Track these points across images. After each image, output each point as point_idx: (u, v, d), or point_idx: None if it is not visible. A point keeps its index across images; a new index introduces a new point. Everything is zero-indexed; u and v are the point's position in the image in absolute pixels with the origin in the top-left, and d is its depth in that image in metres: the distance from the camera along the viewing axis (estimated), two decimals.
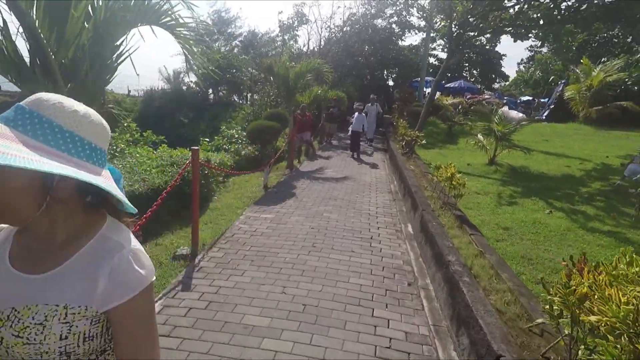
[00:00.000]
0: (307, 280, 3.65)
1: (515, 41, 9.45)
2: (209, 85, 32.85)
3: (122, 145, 7.08)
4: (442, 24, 10.29)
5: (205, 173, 6.58)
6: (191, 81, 33.15)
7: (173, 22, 3.08)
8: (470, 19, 8.75)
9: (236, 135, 11.57)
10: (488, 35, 11.54)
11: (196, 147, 4.33)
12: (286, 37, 21.98)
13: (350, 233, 4.98)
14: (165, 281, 3.74)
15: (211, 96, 34.03)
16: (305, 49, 21.46)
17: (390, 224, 5.44)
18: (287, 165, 9.59)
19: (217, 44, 38.47)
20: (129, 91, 37.47)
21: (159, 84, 34.07)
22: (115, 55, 2.76)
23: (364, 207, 6.23)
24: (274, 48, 25.86)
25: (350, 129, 11.51)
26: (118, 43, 2.72)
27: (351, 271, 3.88)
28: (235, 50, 37.75)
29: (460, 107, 18.88)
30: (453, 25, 9.27)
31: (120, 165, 6.01)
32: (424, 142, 10.24)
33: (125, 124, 7.32)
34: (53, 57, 2.31)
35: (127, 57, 2.85)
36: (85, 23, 2.36)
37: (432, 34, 19.18)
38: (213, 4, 38.38)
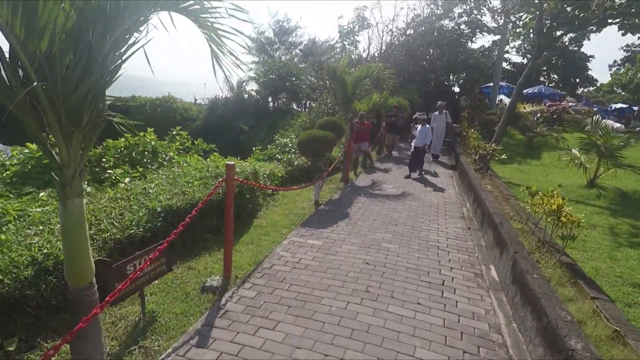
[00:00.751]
0: (357, 347, 2.72)
1: (624, 34, 7.66)
2: (268, 94, 33.50)
3: (172, 154, 6.77)
4: (528, 17, 8.75)
5: (251, 187, 5.98)
6: (252, 90, 34.02)
7: (197, 6, 2.39)
8: (567, 9, 7.19)
9: (289, 144, 11.02)
10: (582, 31, 9.67)
11: (232, 163, 3.65)
12: (346, 43, 21.26)
13: (415, 274, 3.95)
14: (187, 322, 3.07)
15: (271, 104, 34.64)
16: (365, 55, 20.59)
17: (466, 264, 4.29)
18: (341, 178, 8.74)
19: (278, 53, 39.26)
20: (196, 100, 39.56)
21: (223, 92, 35.42)
22: (117, 52, 2.12)
23: (432, 236, 5.13)
24: (333, 55, 25.39)
25: (412, 143, 9.64)
26: (120, 34, 2.06)
27: (417, 337, 2.87)
28: (296, 59, 38.18)
29: (539, 115, 16.60)
30: (543, 19, 7.78)
31: (164, 176, 5.61)
32: (503, 157, 8.73)
33: (174, 132, 7.04)
34: (20, 47, 1.68)
35: (134, 52, 2.19)
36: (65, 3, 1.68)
37: (507, 35, 17.20)
38: (274, 14, 39.11)
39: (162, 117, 33.31)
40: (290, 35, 38.80)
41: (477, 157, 8.82)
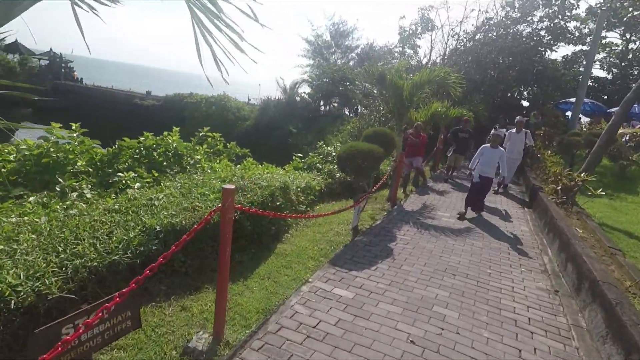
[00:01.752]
0: None
1: None
2: (321, 97, 32.91)
3: (198, 157, 6.02)
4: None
5: (278, 204, 5.00)
6: (304, 92, 33.67)
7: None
8: None
9: (333, 153, 9.97)
10: None
11: (231, 187, 2.66)
12: (406, 47, 19.77)
13: None
14: None
15: (322, 108, 34.03)
16: (425, 61, 19.00)
17: (561, 355, 2.92)
18: (388, 197, 7.50)
19: (334, 57, 38.59)
20: (249, 99, 40.14)
21: (276, 94, 35.53)
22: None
23: (505, 301, 3.76)
24: (390, 60, 24.03)
25: (472, 168, 6.92)
26: None
27: None
28: (351, 62, 37.22)
29: (628, 138, 13.95)
30: None
31: (179, 184, 4.82)
32: (600, 192, 6.91)
33: (201, 133, 6.30)
34: None
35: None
36: None
37: (599, 42, 14.75)
38: (331, 17, 38.62)
39: (215, 114, 34.13)
40: (346, 38, 37.98)
41: (559, 188, 7.12)
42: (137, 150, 5.31)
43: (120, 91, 37.88)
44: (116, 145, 4.95)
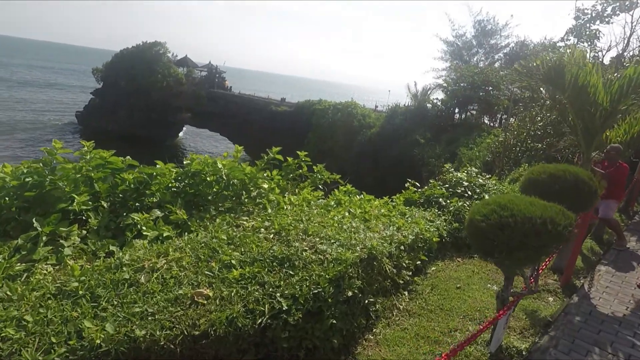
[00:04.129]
0: None
1: None
2: (455, 104, 28.99)
3: (265, 186, 4.36)
4: None
5: (353, 290, 2.87)
6: (437, 99, 30.20)
7: None
8: None
9: (465, 183, 7.20)
10: None
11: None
12: (582, 38, 14.55)
13: None
14: None
15: (457, 116, 30.00)
16: (613, 53, 13.68)
17: None
18: (554, 268, 4.50)
19: (475, 59, 33.69)
20: (376, 106, 38.53)
21: (405, 100, 33.10)
22: None
23: None
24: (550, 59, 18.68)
25: None
26: None
27: None
28: (497, 64, 31.76)
29: None
30: None
31: (206, 238, 3.17)
32: None
33: (270, 155, 4.59)
34: None
35: None
36: None
37: None
38: (476, 14, 33.49)
39: (340, 122, 33.66)
40: (492, 37, 32.57)
41: None
42: (179, 178, 3.91)
43: (260, 98, 41.05)
44: (143, 171, 3.60)
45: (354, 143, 31.73)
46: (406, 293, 3.90)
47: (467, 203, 6.42)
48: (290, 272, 2.65)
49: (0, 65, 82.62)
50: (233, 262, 2.75)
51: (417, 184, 7.12)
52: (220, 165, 3.92)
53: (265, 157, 4.62)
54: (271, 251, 2.88)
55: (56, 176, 3.12)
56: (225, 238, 3.13)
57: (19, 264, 2.57)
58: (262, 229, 3.41)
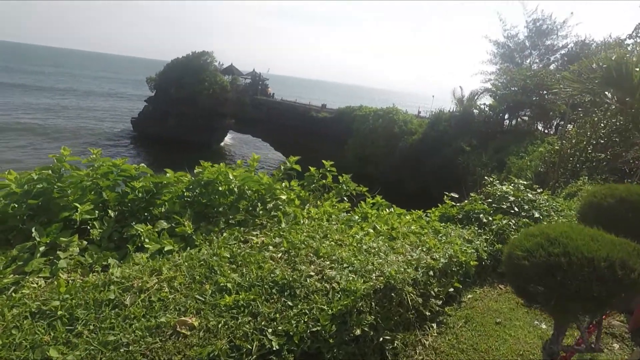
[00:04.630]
0: None
1: None
2: (505, 109, 27.18)
3: (283, 197, 4.07)
4: None
5: (364, 327, 2.46)
6: (484, 104, 28.51)
7: None
8: None
9: (511, 198, 6.45)
10: None
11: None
12: None
13: None
14: None
15: (506, 122, 28.12)
16: None
17: None
18: (628, 317, 3.74)
19: (528, 61, 31.43)
20: (419, 112, 37.27)
21: (450, 105, 31.69)
22: None
23: None
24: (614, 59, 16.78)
25: None
26: None
27: None
28: (552, 66, 29.36)
29: None
30: None
31: (203, 259, 2.93)
32: None
33: (287, 165, 4.28)
34: None
35: None
36: None
37: None
38: (532, 12, 31.03)
39: (381, 128, 32.84)
40: (548, 37, 30.14)
41: None
42: (190, 187, 3.72)
43: (300, 104, 41.40)
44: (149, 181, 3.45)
45: (395, 149, 30.77)
46: (434, 326, 3.39)
47: (513, 221, 5.70)
48: (289, 302, 2.31)
49: (71, 76, 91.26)
50: (229, 285, 2.46)
51: (456, 195, 6.47)
52: (231, 177, 3.68)
53: (282, 167, 4.32)
54: (272, 275, 2.56)
55: (65, 183, 3.03)
56: (228, 256, 2.86)
57: (10, 276, 2.46)
58: (271, 247, 3.10)
